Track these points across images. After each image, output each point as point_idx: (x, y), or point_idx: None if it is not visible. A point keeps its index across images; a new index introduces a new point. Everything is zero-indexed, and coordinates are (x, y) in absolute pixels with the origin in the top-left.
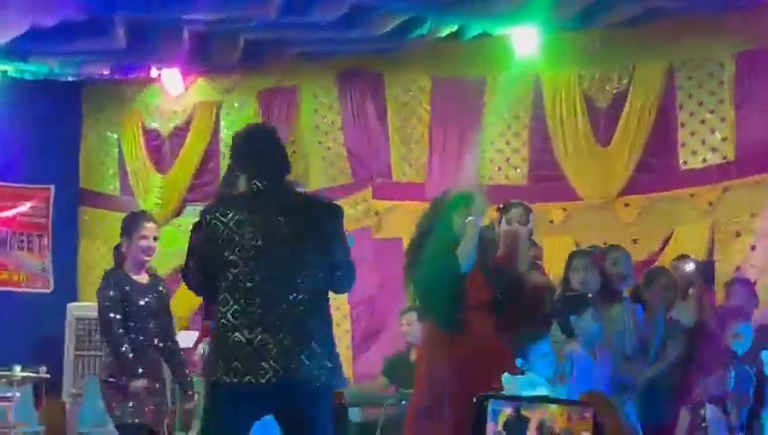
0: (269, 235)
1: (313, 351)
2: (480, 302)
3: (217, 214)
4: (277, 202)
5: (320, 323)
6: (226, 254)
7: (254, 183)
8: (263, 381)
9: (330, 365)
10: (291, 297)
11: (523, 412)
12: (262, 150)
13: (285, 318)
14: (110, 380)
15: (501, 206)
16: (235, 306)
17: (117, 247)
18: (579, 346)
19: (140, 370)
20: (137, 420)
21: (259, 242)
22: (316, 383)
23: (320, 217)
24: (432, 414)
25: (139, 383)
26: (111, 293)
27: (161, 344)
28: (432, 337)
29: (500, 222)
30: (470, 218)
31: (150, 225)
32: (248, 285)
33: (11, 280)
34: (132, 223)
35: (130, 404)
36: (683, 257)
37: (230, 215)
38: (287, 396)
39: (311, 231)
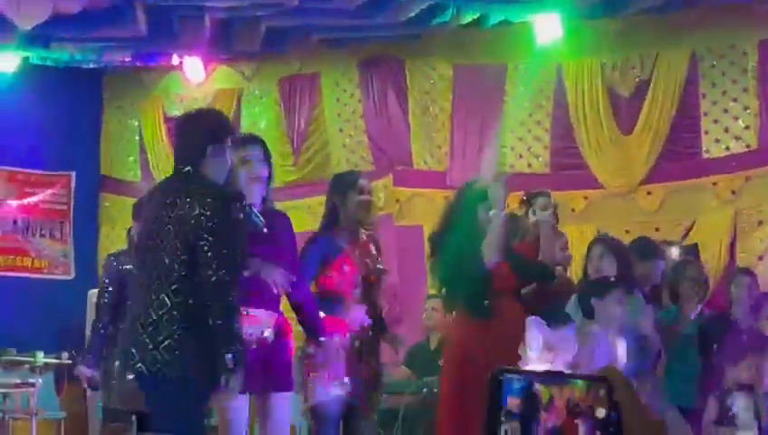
0: (150, 222)
1: (161, 350)
2: (506, 288)
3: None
4: (172, 190)
5: (178, 322)
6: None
7: (174, 167)
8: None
9: (181, 366)
10: (154, 295)
11: (542, 388)
12: (182, 134)
13: (146, 315)
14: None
15: (525, 196)
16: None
17: (129, 231)
18: (599, 328)
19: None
20: (120, 406)
21: (144, 230)
22: (160, 378)
23: (196, 210)
24: (464, 398)
25: (82, 370)
26: (104, 280)
27: None
28: (462, 324)
29: (527, 212)
30: (493, 212)
31: None
32: (133, 274)
33: (33, 266)
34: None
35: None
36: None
37: (141, 201)
38: (145, 389)
39: (182, 225)
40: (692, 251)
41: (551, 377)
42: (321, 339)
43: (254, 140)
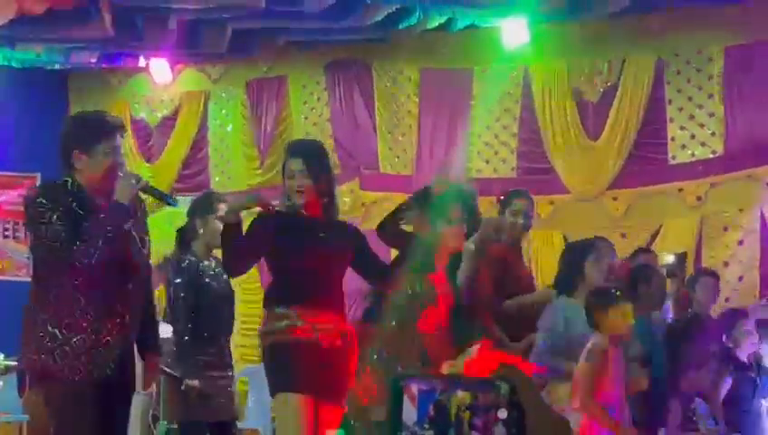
0: None
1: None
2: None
3: None
4: None
5: (27, 310)
6: None
7: None
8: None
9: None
10: None
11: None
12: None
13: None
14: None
15: (501, 196)
16: None
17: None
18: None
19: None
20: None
21: None
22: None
23: None
24: None
25: (192, 383)
26: (175, 280)
27: None
28: None
29: (501, 213)
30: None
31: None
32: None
33: None
34: None
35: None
36: (644, 251)
37: None
38: None
39: None
40: (680, 261)
41: (450, 380)
42: None
43: (295, 151)
